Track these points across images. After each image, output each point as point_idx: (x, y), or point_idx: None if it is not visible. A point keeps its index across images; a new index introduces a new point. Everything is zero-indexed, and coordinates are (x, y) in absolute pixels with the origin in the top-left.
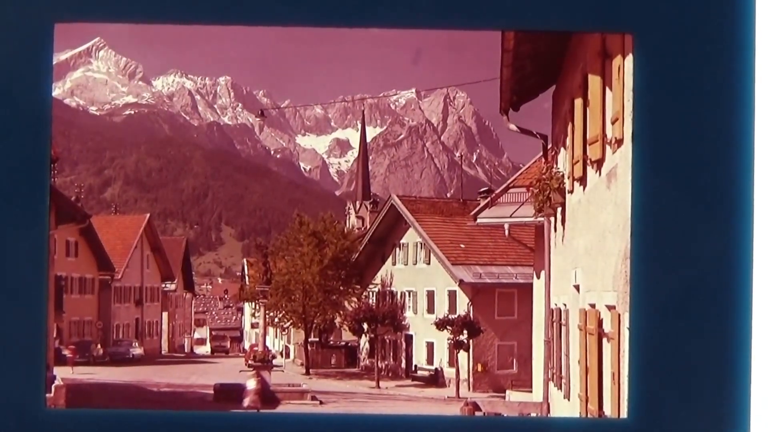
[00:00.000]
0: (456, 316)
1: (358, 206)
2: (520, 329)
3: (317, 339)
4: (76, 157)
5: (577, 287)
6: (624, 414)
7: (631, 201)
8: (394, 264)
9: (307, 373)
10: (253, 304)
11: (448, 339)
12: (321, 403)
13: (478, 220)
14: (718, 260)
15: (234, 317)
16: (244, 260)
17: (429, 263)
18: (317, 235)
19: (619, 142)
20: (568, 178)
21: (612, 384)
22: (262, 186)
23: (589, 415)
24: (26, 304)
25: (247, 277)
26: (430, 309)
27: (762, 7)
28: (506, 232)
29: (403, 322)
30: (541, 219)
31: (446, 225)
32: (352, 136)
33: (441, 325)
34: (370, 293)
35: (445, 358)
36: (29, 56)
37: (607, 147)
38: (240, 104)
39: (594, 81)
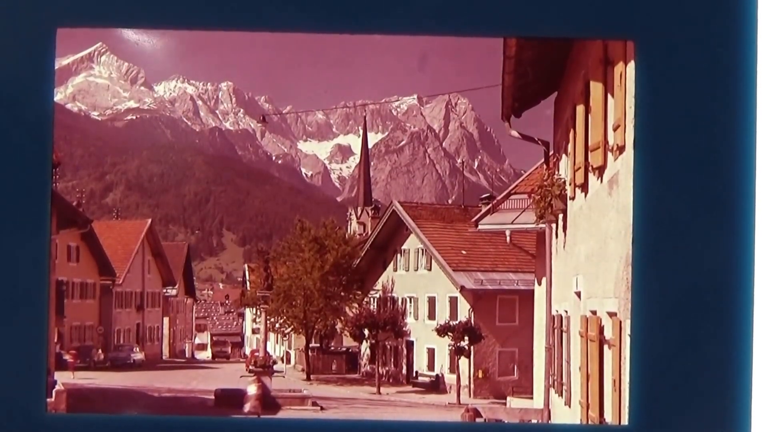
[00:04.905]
0: (457, 322)
1: (359, 212)
2: (521, 336)
3: (318, 345)
4: (78, 162)
5: (578, 294)
6: (625, 421)
7: (632, 208)
8: (395, 270)
9: (308, 378)
10: (254, 309)
11: (449, 345)
12: (322, 408)
13: (480, 227)
14: (720, 267)
15: (235, 322)
16: (246, 266)
17: (430, 269)
18: (318, 240)
19: (621, 148)
20: (570, 184)
21: (613, 391)
22: (264, 191)
23: (590, 422)
24: (27, 309)
25: (248, 283)
26: (431, 315)
27: (764, 14)
28: (508, 239)
29: (404, 328)
30: (543, 225)
31: (447, 231)
32: (354, 141)
33: (442, 331)
34: (371, 299)
35: (446, 365)
36: (31, 61)
37: (609, 154)
38: (242, 110)
39: (596, 88)
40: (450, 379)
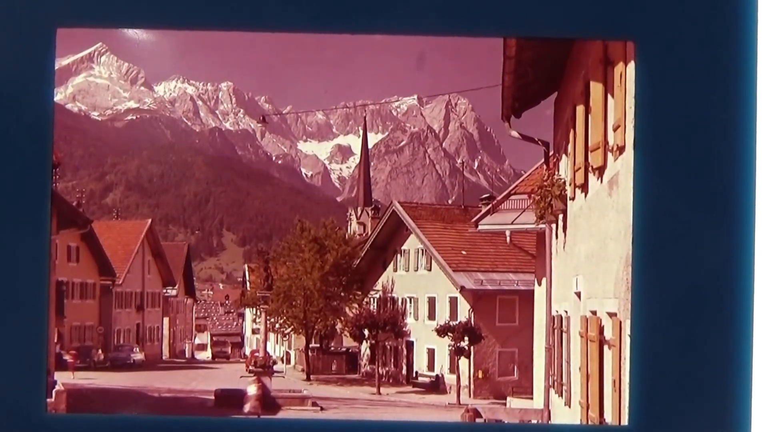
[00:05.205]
0: (457, 322)
1: (359, 212)
2: (521, 336)
3: (318, 345)
4: (78, 162)
5: (578, 294)
6: (625, 421)
7: (632, 208)
8: (395, 270)
9: (308, 378)
10: (254, 309)
11: (449, 345)
12: (322, 409)
13: (480, 227)
14: (720, 267)
15: (235, 323)
16: (246, 266)
17: (430, 270)
18: (318, 241)
19: (621, 149)
20: (570, 185)
21: (613, 391)
22: (264, 192)
23: (590, 422)
24: (27, 309)
25: (248, 283)
26: (431, 315)
27: (764, 14)
28: (508, 239)
29: (404, 329)
30: (543, 226)
31: (447, 231)
32: (354, 142)
33: (442, 331)
34: (371, 299)
35: (446, 365)
36: (31, 61)
37: (609, 154)
38: (242, 110)
39: (596, 88)
40: (450, 379)
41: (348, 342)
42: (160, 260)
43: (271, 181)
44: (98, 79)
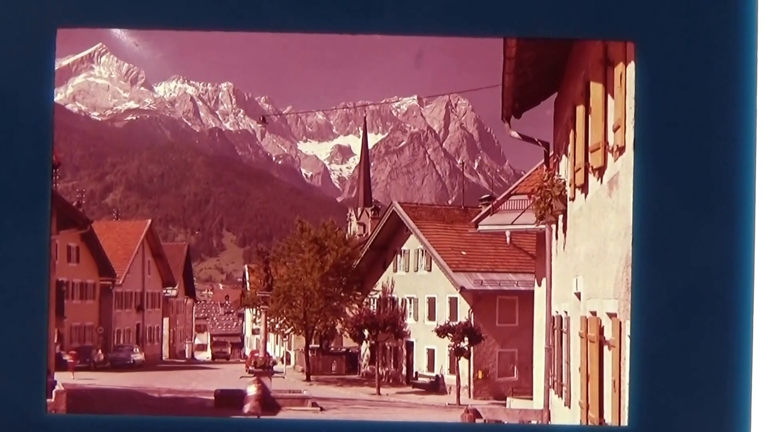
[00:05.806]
0: (457, 323)
1: (359, 213)
2: (521, 336)
3: (318, 345)
4: (78, 163)
5: (578, 295)
6: (625, 422)
7: (632, 208)
8: (395, 271)
9: (308, 379)
10: (254, 310)
11: (448, 346)
12: (321, 409)
13: (480, 227)
14: (720, 268)
15: (235, 323)
16: (245, 266)
17: (430, 270)
18: (318, 241)
19: (621, 149)
20: (570, 185)
21: (613, 391)
22: (264, 192)
23: (589, 423)
24: (27, 309)
25: (248, 283)
26: (431, 316)
27: (764, 14)
28: (507, 240)
29: (404, 329)
30: (543, 226)
31: (447, 232)
32: (354, 142)
33: (442, 332)
34: (371, 300)
35: (445, 365)
36: (31, 61)
37: (609, 154)
38: (242, 110)
39: (596, 88)
40: (450, 379)
41: (348, 342)
42: (160, 260)
43: (271, 181)
44: (98, 80)
